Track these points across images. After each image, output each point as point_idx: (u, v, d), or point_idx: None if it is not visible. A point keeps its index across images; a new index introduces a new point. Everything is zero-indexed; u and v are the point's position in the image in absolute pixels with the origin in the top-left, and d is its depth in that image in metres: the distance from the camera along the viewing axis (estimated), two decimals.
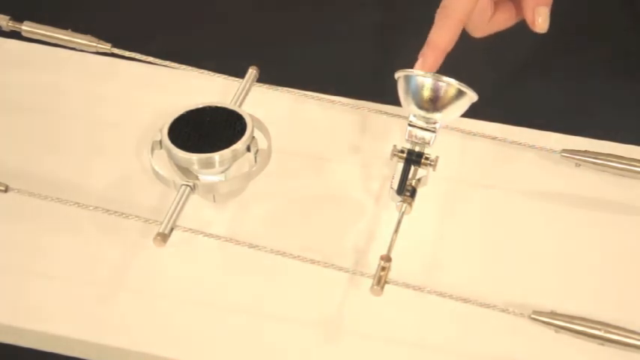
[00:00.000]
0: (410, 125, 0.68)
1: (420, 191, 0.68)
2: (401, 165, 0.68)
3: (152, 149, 0.68)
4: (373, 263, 0.63)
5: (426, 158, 0.68)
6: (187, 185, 0.66)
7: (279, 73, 0.75)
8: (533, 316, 0.61)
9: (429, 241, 0.70)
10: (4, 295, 0.68)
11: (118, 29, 0.80)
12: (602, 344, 0.60)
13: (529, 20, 0.68)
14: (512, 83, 0.87)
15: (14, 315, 0.67)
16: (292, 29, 0.89)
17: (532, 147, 0.73)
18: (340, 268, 0.64)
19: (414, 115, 0.68)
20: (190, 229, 0.65)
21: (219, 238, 0.66)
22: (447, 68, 0.68)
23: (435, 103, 0.67)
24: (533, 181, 0.74)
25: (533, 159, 0.75)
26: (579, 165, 0.71)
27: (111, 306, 0.67)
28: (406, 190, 0.67)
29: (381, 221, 0.71)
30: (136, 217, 0.66)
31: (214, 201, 0.71)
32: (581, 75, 0.89)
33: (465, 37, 0.90)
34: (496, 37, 0.90)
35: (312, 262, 0.64)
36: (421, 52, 0.67)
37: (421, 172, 0.68)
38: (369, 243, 0.70)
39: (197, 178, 0.67)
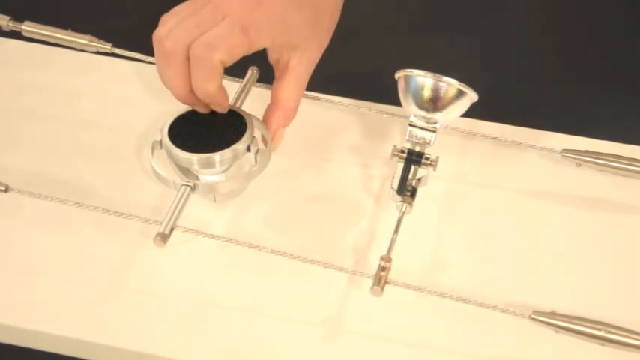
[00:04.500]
0: (410, 125, 0.68)
1: (420, 191, 0.68)
2: (401, 165, 0.68)
3: (152, 149, 0.67)
4: (373, 263, 0.63)
5: (427, 158, 0.68)
6: (187, 185, 0.65)
7: None
8: (533, 316, 0.61)
9: (429, 241, 0.70)
10: (4, 295, 0.68)
11: (118, 29, 0.80)
12: (603, 344, 0.60)
13: (269, 133, 0.68)
14: (512, 83, 0.87)
15: (14, 315, 0.67)
16: None
17: (532, 147, 0.73)
18: (340, 268, 0.64)
19: (415, 115, 0.68)
20: (190, 230, 0.65)
21: (219, 238, 0.66)
22: (447, 68, 0.68)
23: (435, 103, 0.67)
24: (533, 181, 0.74)
25: (533, 159, 0.75)
26: (580, 165, 0.71)
27: (111, 306, 0.67)
28: (406, 190, 0.67)
29: (381, 221, 0.71)
30: (136, 217, 0.66)
31: (215, 201, 0.71)
32: (582, 75, 0.89)
33: (463, 36, 0.90)
34: (496, 37, 0.90)
35: (313, 262, 0.64)
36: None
37: (421, 172, 0.68)
38: (369, 243, 0.70)
39: (197, 178, 0.67)
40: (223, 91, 0.65)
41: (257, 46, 0.64)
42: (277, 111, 0.68)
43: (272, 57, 0.68)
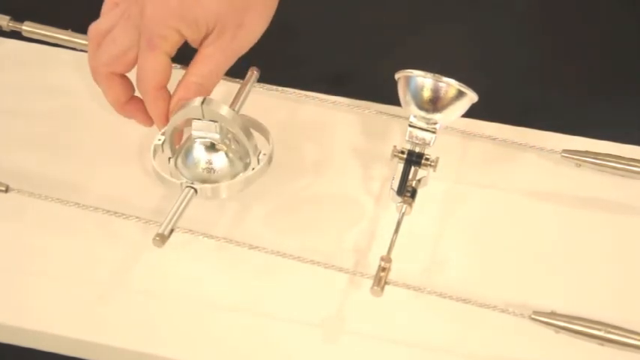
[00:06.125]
0: (410, 126, 0.68)
1: (420, 192, 0.68)
2: (401, 165, 0.68)
3: (154, 152, 0.67)
4: (373, 264, 0.63)
5: (427, 159, 0.68)
6: (191, 187, 0.65)
7: (280, 73, 0.75)
8: (533, 316, 0.61)
9: (429, 242, 0.70)
10: (3, 295, 0.68)
11: None
12: (602, 344, 0.60)
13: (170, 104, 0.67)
14: (512, 83, 0.87)
15: (14, 315, 0.67)
16: (292, 29, 0.89)
17: (532, 147, 0.73)
18: (340, 269, 0.64)
19: (415, 116, 0.68)
20: (190, 230, 0.65)
21: (219, 239, 0.66)
22: (447, 68, 0.68)
23: (435, 104, 0.67)
24: (533, 182, 0.74)
25: (533, 159, 0.75)
26: (580, 165, 0.71)
27: (111, 306, 0.67)
28: (406, 190, 0.67)
29: (381, 222, 0.71)
30: (136, 217, 0.66)
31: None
32: (582, 75, 0.89)
33: (463, 36, 0.89)
34: (496, 37, 0.90)
35: (313, 262, 0.64)
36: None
37: (421, 172, 0.68)
38: (369, 244, 0.70)
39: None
40: (160, 118, 0.67)
41: (171, 48, 0.65)
42: (181, 83, 0.67)
43: (195, 46, 0.68)
